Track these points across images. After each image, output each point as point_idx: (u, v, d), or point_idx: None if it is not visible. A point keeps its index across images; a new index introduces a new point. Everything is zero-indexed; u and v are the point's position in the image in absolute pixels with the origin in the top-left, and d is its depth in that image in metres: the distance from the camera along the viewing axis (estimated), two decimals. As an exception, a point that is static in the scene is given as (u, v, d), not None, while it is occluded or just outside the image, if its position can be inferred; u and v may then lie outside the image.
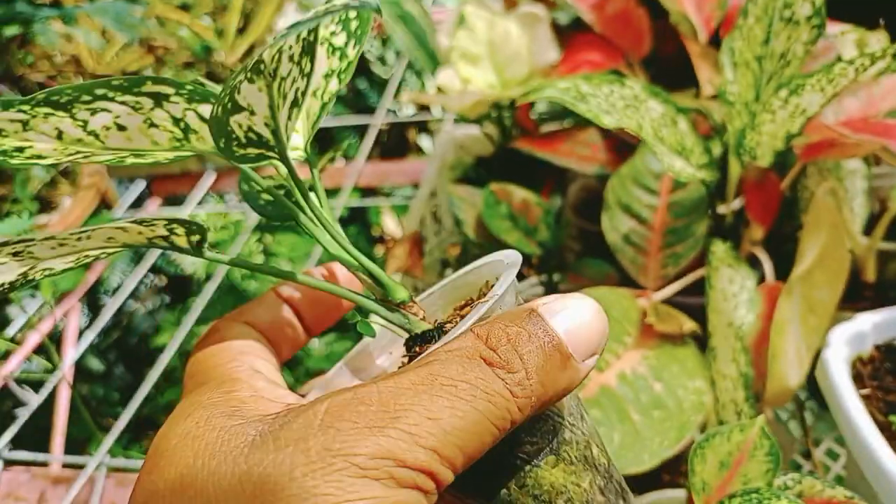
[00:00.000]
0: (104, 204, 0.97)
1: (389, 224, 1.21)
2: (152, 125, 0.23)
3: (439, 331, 0.26)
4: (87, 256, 0.24)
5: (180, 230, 0.24)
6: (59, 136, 0.23)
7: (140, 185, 0.99)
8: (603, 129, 0.61)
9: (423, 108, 1.25)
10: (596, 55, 0.63)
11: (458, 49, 0.65)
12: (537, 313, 0.23)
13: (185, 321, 0.70)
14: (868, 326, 0.45)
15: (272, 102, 0.22)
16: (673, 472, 0.49)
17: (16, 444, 0.60)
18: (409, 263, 0.62)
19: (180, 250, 0.25)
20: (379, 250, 1.18)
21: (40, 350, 0.74)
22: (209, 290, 0.74)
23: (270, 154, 0.24)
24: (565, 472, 0.24)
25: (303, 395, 0.25)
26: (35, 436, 0.73)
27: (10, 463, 0.58)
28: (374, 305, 0.26)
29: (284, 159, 0.24)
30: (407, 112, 1.28)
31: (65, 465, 0.63)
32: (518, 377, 0.22)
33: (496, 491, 0.24)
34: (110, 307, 0.73)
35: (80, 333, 0.82)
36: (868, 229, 0.54)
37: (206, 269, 0.98)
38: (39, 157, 0.23)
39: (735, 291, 0.47)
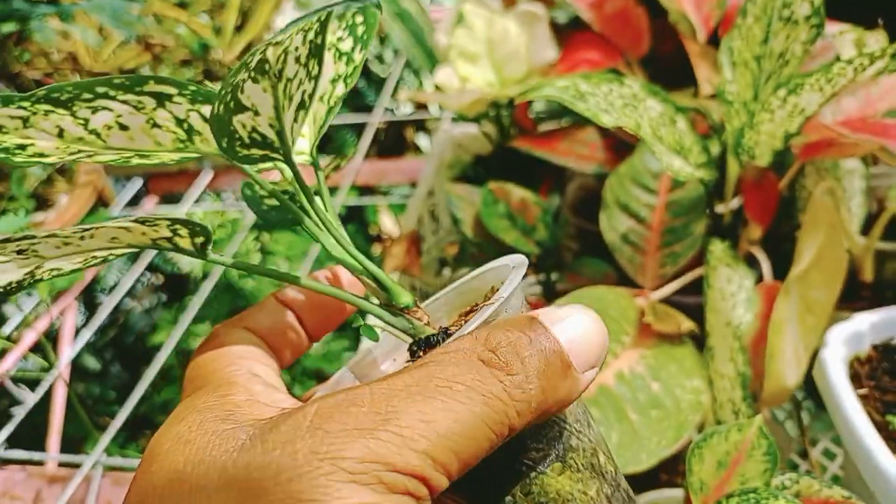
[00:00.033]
0: (101, 202, 0.97)
1: (387, 223, 1.21)
2: (155, 125, 0.23)
3: (443, 335, 0.25)
4: (94, 257, 0.24)
5: (184, 231, 0.24)
6: (60, 133, 0.22)
7: (137, 183, 0.99)
8: (601, 128, 0.61)
9: (421, 106, 1.24)
10: (594, 54, 0.63)
11: (457, 47, 0.65)
12: (538, 321, 0.22)
13: (182, 320, 0.70)
14: (865, 326, 0.45)
15: (277, 103, 0.22)
16: (671, 471, 0.49)
17: (12, 442, 0.60)
18: (406, 262, 0.62)
19: (184, 252, 0.24)
20: (376, 249, 1.17)
21: (36, 348, 0.74)
22: (206, 288, 0.74)
23: (275, 156, 0.23)
24: (572, 479, 0.24)
25: (304, 401, 0.25)
26: (31, 434, 0.73)
27: (5, 462, 0.58)
28: (378, 310, 0.26)
29: (289, 161, 0.24)
30: (405, 111, 1.28)
31: (61, 464, 0.63)
32: (517, 380, 0.21)
33: (501, 498, 0.23)
34: (107, 305, 0.73)
35: (77, 332, 0.82)
36: (866, 229, 0.54)
37: (203, 267, 0.98)
38: (42, 154, 0.23)
39: (733, 291, 0.47)
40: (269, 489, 0.18)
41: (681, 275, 0.52)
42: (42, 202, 0.97)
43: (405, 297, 0.26)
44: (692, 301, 0.50)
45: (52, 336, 0.81)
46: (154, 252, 0.85)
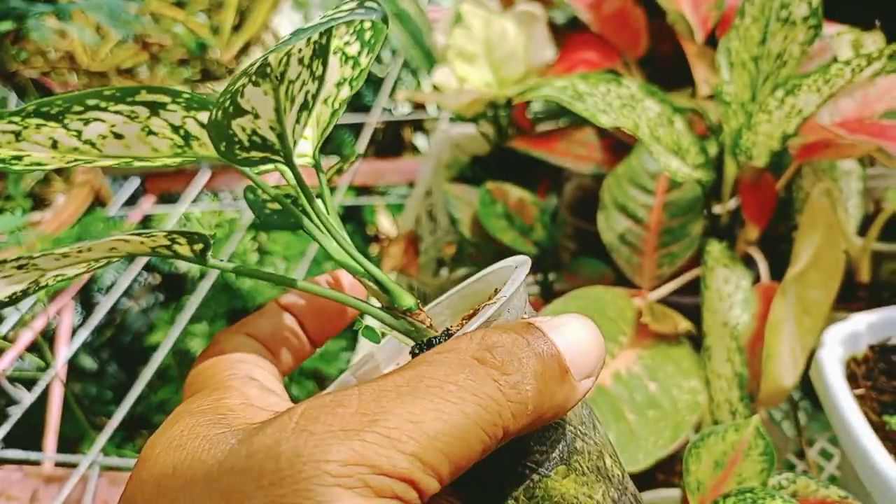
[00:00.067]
0: (98, 201, 0.97)
1: (385, 223, 1.21)
2: (151, 133, 0.23)
3: (445, 337, 0.25)
4: (95, 261, 0.24)
5: (182, 240, 0.24)
6: (54, 145, 0.22)
7: (134, 183, 0.98)
8: (599, 128, 0.61)
9: (419, 106, 1.24)
10: (592, 54, 0.63)
11: (455, 47, 0.65)
12: (536, 326, 0.22)
13: (179, 319, 0.70)
14: (862, 327, 0.45)
15: (278, 105, 0.21)
16: (668, 471, 0.49)
17: (8, 442, 0.60)
18: (404, 262, 0.62)
19: (184, 259, 0.24)
20: (374, 249, 1.17)
21: (33, 348, 0.74)
22: (203, 288, 0.74)
23: (276, 158, 0.23)
24: (577, 482, 0.23)
25: None
26: (27, 434, 0.72)
27: (2, 461, 0.58)
28: (380, 313, 0.25)
29: (290, 164, 0.24)
30: (403, 110, 1.28)
31: (57, 464, 0.63)
32: (513, 380, 0.20)
33: (504, 501, 0.23)
34: (104, 305, 0.73)
35: (74, 331, 0.81)
36: (863, 230, 0.55)
37: (200, 267, 0.98)
38: (39, 163, 0.22)
39: (730, 291, 0.47)
40: (250, 493, 0.18)
41: (678, 275, 0.52)
42: (39, 201, 0.97)
43: (407, 300, 0.25)
44: (689, 301, 0.50)
45: (48, 335, 0.81)
46: (151, 252, 0.84)
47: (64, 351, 0.76)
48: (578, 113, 0.43)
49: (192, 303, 0.72)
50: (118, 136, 0.22)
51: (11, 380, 0.70)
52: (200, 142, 0.23)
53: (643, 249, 0.52)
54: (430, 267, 0.72)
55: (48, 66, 1.10)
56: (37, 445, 0.72)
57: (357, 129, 1.12)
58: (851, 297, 0.53)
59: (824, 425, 0.58)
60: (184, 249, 0.24)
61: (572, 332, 0.22)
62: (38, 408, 0.68)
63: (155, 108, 0.22)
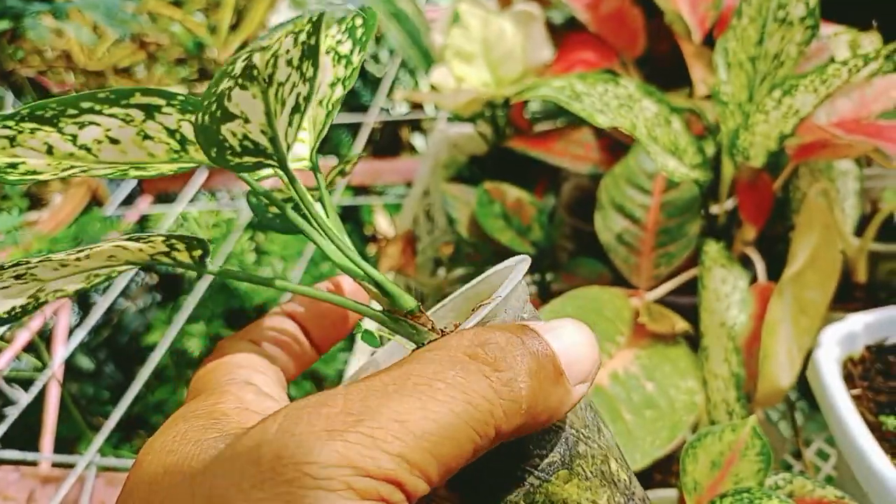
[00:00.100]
0: (95, 201, 0.97)
1: (382, 223, 1.21)
2: (147, 137, 0.22)
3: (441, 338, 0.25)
4: (96, 276, 0.24)
5: (181, 246, 0.23)
6: (50, 150, 0.22)
7: (131, 183, 0.98)
8: (597, 128, 0.61)
9: (417, 106, 1.24)
10: (590, 54, 0.63)
11: (452, 47, 0.65)
12: (531, 328, 0.22)
13: (177, 320, 0.70)
14: (859, 327, 0.45)
15: (268, 109, 0.21)
16: (665, 471, 0.49)
17: (4, 442, 0.60)
18: (401, 262, 0.62)
19: (184, 266, 0.24)
20: (371, 249, 1.17)
21: (30, 348, 0.73)
22: (200, 288, 0.74)
23: (269, 162, 0.23)
24: (580, 487, 0.22)
25: None
26: (24, 435, 0.72)
27: (-2, 462, 0.58)
28: (382, 316, 0.25)
29: (284, 167, 0.23)
30: (400, 110, 1.28)
31: (54, 465, 0.63)
32: (505, 376, 0.19)
33: None
34: (101, 305, 0.73)
35: (71, 332, 0.81)
36: (859, 230, 0.55)
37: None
38: (34, 172, 0.22)
39: (727, 291, 0.48)
40: (231, 497, 0.17)
41: (675, 275, 0.52)
42: (36, 201, 0.97)
43: (409, 303, 0.25)
44: (687, 301, 0.50)
45: (45, 336, 0.81)
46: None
47: (61, 351, 0.76)
48: (576, 113, 0.43)
49: (190, 303, 0.71)
50: (114, 141, 0.22)
51: (8, 380, 0.70)
52: (196, 146, 0.23)
53: (640, 249, 0.52)
54: (428, 267, 0.72)
55: (45, 65, 1.09)
56: (33, 446, 0.72)
57: (355, 128, 1.12)
58: (848, 297, 0.53)
59: (821, 426, 0.58)
60: (183, 256, 0.24)
61: (568, 335, 0.22)
62: (35, 408, 0.68)
63: (150, 110, 0.22)
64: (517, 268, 0.25)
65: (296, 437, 0.18)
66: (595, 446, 0.24)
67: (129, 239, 0.22)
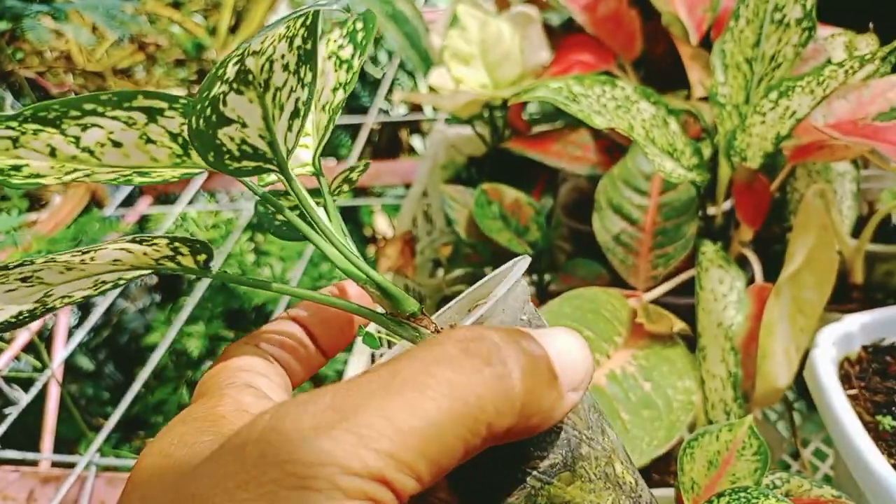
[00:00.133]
0: (94, 202, 0.97)
1: (381, 224, 1.21)
2: (149, 141, 0.22)
3: None
4: (103, 282, 0.24)
5: (185, 249, 0.23)
6: (53, 153, 0.22)
7: (131, 183, 0.98)
8: (594, 129, 0.61)
9: (416, 107, 1.25)
10: (588, 56, 0.63)
11: (451, 49, 0.66)
12: (525, 332, 0.21)
13: (176, 320, 0.70)
14: (856, 327, 0.46)
15: (266, 114, 0.21)
16: (662, 471, 0.49)
17: (4, 443, 0.60)
18: (400, 263, 0.62)
19: (188, 271, 0.24)
20: (371, 250, 1.17)
21: (29, 348, 0.74)
22: (200, 288, 0.74)
23: (269, 167, 0.23)
24: (583, 490, 0.22)
25: None
26: (24, 435, 0.72)
27: (-2, 462, 0.58)
28: (385, 319, 0.25)
29: (284, 172, 0.23)
30: (399, 112, 1.28)
31: (54, 465, 0.63)
32: (498, 371, 0.19)
33: None
34: (101, 305, 0.73)
35: (70, 332, 0.81)
36: (856, 231, 0.55)
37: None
38: (38, 175, 0.22)
39: (724, 292, 0.48)
40: (214, 498, 0.17)
41: (673, 276, 0.52)
42: (35, 202, 0.97)
43: (411, 306, 0.25)
44: (684, 302, 0.50)
45: (45, 336, 0.81)
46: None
47: (60, 351, 0.76)
48: (573, 114, 0.44)
49: (189, 303, 0.72)
50: (116, 144, 0.22)
51: (8, 380, 0.70)
52: None
53: (638, 250, 0.53)
54: (427, 267, 0.72)
55: (44, 66, 1.09)
56: (33, 446, 0.72)
57: (354, 130, 1.13)
58: (845, 297, 0.53)
59: (819, 426, 0.58)
60: (187, 261, 0.24)
61: (562, 342, 0.21)
62: (35, 408, 0.68)
63: (152, 113, 0.22)
64: (515, 267, 0.25)
65: (281, 435, 0.17)
66: (599, 448, 0.23)
67: (132, 241, 0.22)
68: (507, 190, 0.59)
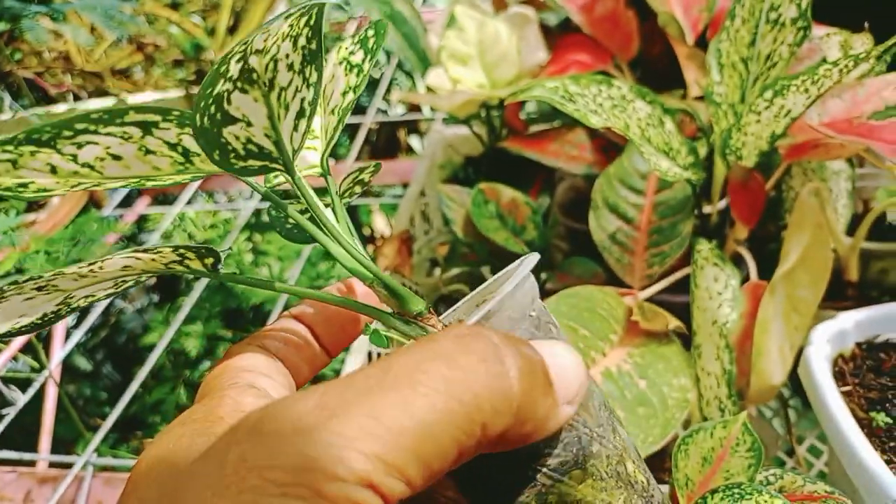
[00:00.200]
0: (93, 202, 0.97)
1: (379, 223, 1.21)
2: (149, 152, 0.22)
3: None
4: (123, 281, 0.24)
5: (191, 255, 0.23)
6: (53, 170, 0.22)
7: (129, 184, 0.98)
8: (590, 129, 0.61)
9: (414, 107, 1.25)
10: (584, 56, 0.63)
11: (448, 49, 0.66)
12: (523, 339, 0.21)
13: (174, 320, 0.70)
14: (850, 325, 0.46)
15: (271, 113, 0.21)
16: (657, 468, 0.49)
17: (2, 443, 0.60)
18: (397, 262, 0.63)
19: (197, 273, 0.24)
20: (368, 249, 1.18)
21: (27, 349, 0.74)
22: (198, 289, 0.74)
23: (275, 166, 0.23)
24: (594, 488, 0.22)
25: None
26: (21, 435, 0.72)
27: (-4, 461, 0.58)
28: (391, 318, 0.25)
29: (290, 171, 0.23)
30: (397, 112, 1.28)
31: (51, 465, 0.63)
32: (495, 369, 0.18)
33: None
34: (98, 306, 0.73)
35: (68, 332, 0.81)
36: (851, 229, 0.55)
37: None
38: (46, 189, 0.22)
39: (719, 290, 0.48)
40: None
41: (668, 274, 0.52)
42: (33, 202, 0.97)
43: (418, 305, 0.25)
44: (679, 300, 0.51)
45: (42, 337, 0.81)
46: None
47: (58, 352, 0.76)
48: (570, 114, 0.44)
49: (187, 303, 0.72)
50: (116, 158, 0.22)
51: (5, 381, 0.70)
52: (202, 157, 0.23)
53: (634, 249, 0.53)
54: (424, 267, 0.73)
55: (42, 66, 1.10)
56: (31, 446, 0.72)
57: (352, 130, 1.13)
58: (840, 295, 0.53)
59: (814, 423, 0.58)
60: (195, 264, 0.24)
61: (559, 353, 0.21)
62: (33, 408, 0.68)
63: (147, 127, 0.21)
64: (523, 264, 0.25)
65: (262, 437, 0.16)
66: (610, 446, 0.23)
67: (141, 251, 0.22)
68: (503, 189, 0.59)
